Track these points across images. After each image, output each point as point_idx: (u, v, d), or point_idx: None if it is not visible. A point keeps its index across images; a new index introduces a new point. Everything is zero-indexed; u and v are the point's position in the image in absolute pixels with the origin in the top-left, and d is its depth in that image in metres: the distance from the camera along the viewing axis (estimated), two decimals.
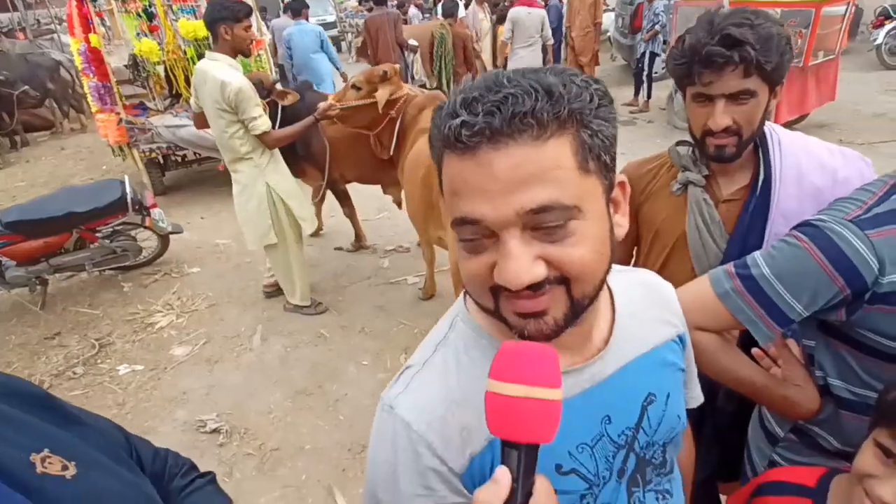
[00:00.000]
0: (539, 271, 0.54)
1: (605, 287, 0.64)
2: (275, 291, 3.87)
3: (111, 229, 4.08)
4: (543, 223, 0.54)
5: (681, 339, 0.79)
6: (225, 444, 2.71)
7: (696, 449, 1.35)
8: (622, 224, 0.63)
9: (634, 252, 1.47)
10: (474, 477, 0.64)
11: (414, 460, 0.62)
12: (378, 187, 4.16)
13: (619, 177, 0.63)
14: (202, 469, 0.91)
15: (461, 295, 0.74)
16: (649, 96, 7.66)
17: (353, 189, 4.33)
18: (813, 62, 5.56)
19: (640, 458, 0.72)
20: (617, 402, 0.69)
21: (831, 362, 1.03)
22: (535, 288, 0.55)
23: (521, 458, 0.52)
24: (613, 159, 0.60)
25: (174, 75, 5.60)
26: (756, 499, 0.96)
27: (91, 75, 5.31)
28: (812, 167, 1.21)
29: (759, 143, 1.25)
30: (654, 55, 7.31)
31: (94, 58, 5.17)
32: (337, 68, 6.74)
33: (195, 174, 6.49)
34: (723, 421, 1.32)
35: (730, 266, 1.01)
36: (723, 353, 1.03)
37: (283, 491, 2.44)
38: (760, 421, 1.19)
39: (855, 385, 0.99)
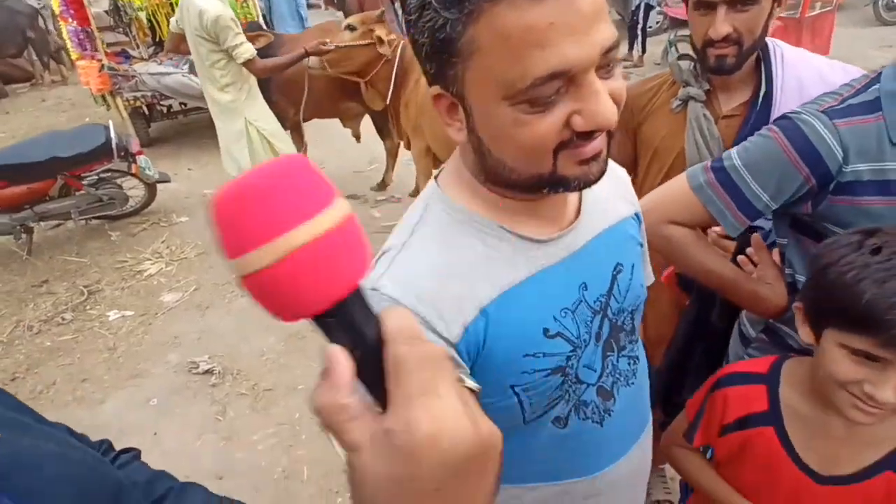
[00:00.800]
0: (615, 108, 0.56)
1: None
2: None
3: (96, 176, 3.99)
4: (610, 60, 0.55)
5: (637, 216, 0.84)
6: (217, 385, 2.72)
7: (686, 369, 1.38)
8: None
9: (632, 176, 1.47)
10: (469, 345, 0.64)
11: None
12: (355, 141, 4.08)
13: None
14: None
15: (431, 180, 0.73)
16: (644, 51, 7.51)
17: (344, 140, 4.25)
18: (810, 13, 5.48)
19: (613, 324, 0.76)
20: (591, 271, 0.73)
21: (799, 259, 1.05)
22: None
23: (346, 316, 0.37)
24: None
25: (157, 21, 5.40)
26: (714, 393, 0.98)
27: (70, 19, 5.10)
28: (813, 81, 1.20)
29: (762, 57, 1.24)
30: (649, 7, 7.15)
31: (73, 0, 4.96)
32: (301, 18, 6.47)
33: (181, 126, 6.33)
34: (714, 338, 1.33)
35: (707, 162, 1.03)
36: (694, 246, 1.06)
37: (277, 428, 2.47)
38: (738, 328, 1.23)
39: None
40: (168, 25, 5.18)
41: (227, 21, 2.84)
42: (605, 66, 0.55)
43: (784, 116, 0.96)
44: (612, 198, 0.79)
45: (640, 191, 1.11)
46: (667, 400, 1.35)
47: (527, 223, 0.68)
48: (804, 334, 0.86)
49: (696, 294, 1.28)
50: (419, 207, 0.71)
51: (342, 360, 0.35)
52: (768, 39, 1.24)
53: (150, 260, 3.87)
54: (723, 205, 0.98)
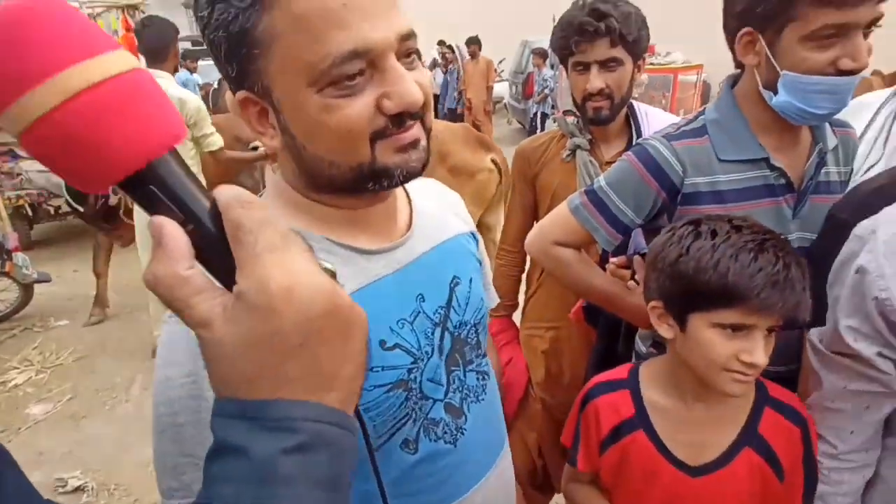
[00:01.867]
0: (420, 91, 0.57)
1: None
2: None
3: None
4: (410, 49, 0.58)
5: (473, 234, 0.86)
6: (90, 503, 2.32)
7: None
8: None
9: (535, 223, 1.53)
10: None
11: None
12: None
13: None
14: None
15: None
16: None
17: None
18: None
19: (456, 337, 0.75)
20: (427, 282, 0.72)
21: None
22: (415, 115, 0.59)
23: (165, 183, 0.33)
24: None
25: None
26: (586, 408, 1.00)
27: None
28: None
29: (631, 115, 1.46)
30: (544, 115, 8.02)
31: None
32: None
33: (69, 228, 5.90)
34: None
35: (584, 188, 1.15)
36: (577, 265, 1.16)
37: None
38: (634, 348, 1.26)
39: None
40: None
41: (205, 110, 2.88)
42: (405, 55, 0.57)
43: (636, 144, 1.13)
44: (445, 215, 0.81)
45: None
46: None
47: (356, 235, 0.67)
48: (665, 331, 0.90)
49: (601, 327, 1.31)
50: None
51: (173, 230, 0.32)
52: (636, 103, 1.45)
53: (18, 368, 3.39)
54: (595, 222, 1.10)
